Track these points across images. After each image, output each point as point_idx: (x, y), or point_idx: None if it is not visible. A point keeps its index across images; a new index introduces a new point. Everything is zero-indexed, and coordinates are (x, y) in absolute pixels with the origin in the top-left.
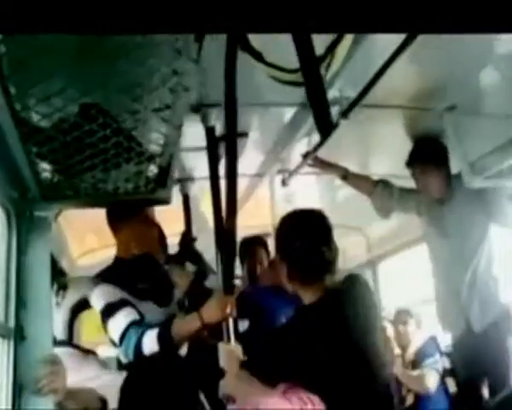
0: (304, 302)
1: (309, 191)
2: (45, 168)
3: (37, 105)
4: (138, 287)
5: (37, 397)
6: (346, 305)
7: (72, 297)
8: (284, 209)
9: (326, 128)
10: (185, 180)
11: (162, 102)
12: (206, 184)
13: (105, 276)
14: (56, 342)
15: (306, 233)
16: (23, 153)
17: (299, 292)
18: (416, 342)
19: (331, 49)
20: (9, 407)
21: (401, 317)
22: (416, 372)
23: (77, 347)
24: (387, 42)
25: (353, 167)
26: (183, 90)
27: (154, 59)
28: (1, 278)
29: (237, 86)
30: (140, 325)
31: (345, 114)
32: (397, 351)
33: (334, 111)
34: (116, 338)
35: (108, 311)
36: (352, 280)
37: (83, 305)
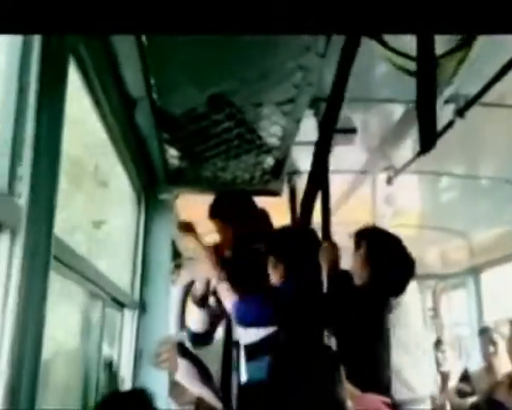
0: None
1: (411, 191)
2: (173, 155)
3: (173, 94)
4: None
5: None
6: None
7: (185, 277)
8: (384, 209)
9: (428, 142)
10: (293, 173)
11: (285, 96)
12: None
13: None
14: None
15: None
16: (156, 140)
17: None
18: None
19: (464, 44)
20: (131, 370)
21: None
22: None
23: None
24: (509, 38)
25: (461, 167)
26: (306, 85)
27: (281, 54)
28: (129, 256)
29: (349, 81)
30: None
31: (461, 112)
32: (508, 369)
33: (450, 108)
34: None
35: None
36: None
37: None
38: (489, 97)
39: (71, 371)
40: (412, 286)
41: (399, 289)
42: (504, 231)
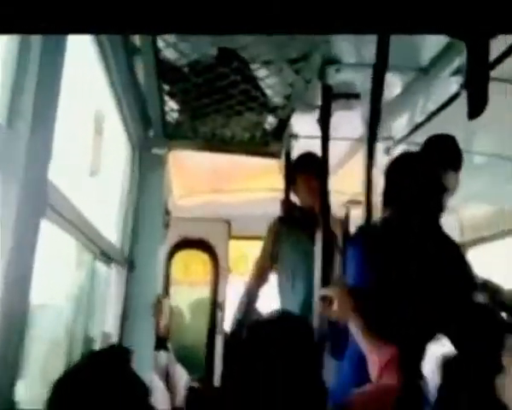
0: None
1: None
2: (172, 108)
3: (179, 43)
4: None
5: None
6: None
7: (172, 236)
8: (377, 180)
9: (477, 108)
10: (290, 136)
11: (298, 52)
12: (307, 143)
13: None
14: None
15: None
16: (157, 91)
17: None
18: None
19: None
20: (117, 326)
21: None
22: None
23: None
24: None
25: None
26: (322, 42)
27: None
28: (120, 210)
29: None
30: None
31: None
32: None
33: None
34: None
35: None
36: None
37: (180, 245)
38: (497, 72)
39: (59, 322)
40: None
41: None
42: (496, 209)
